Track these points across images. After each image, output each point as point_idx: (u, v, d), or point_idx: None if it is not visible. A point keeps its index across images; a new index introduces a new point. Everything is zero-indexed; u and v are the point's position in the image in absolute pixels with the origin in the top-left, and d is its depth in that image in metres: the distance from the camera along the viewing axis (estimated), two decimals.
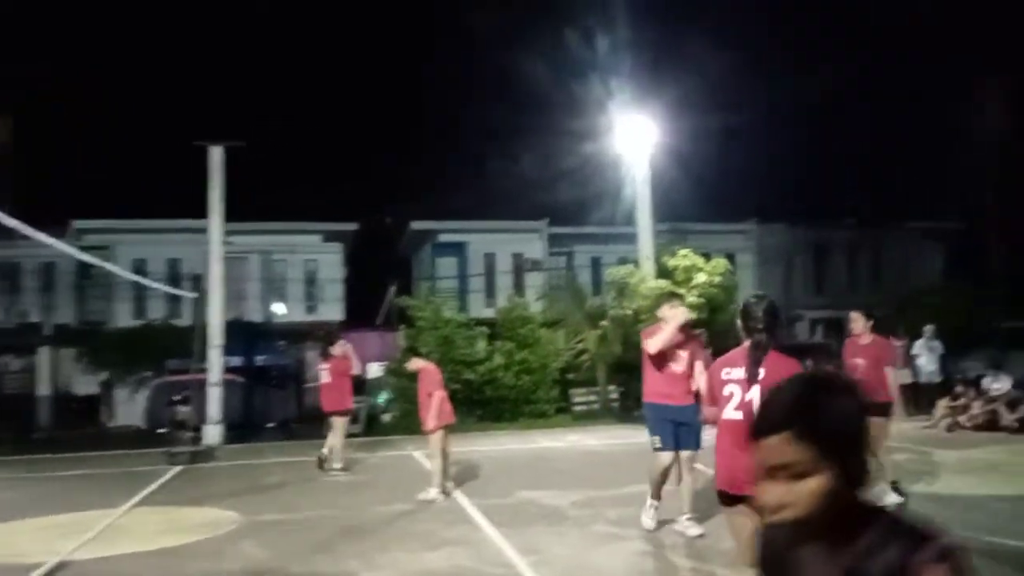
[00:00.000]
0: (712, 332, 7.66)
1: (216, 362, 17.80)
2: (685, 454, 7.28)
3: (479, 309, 26.72)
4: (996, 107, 28.81)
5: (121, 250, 26.69)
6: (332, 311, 29.10)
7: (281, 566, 6.86)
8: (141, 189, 40.69)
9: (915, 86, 46.31)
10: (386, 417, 19.28)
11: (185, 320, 23.39)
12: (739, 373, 4.31)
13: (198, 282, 20.27)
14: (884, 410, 8.25)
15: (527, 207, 29.47)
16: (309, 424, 18.84)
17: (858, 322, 8.65)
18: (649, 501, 7.38)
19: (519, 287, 27.76)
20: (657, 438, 7.19)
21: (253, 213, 25.42)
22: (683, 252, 18.97)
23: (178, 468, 13.17)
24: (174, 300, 25.02)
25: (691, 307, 11.61)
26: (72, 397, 26.11)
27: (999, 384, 15.05)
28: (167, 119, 47.62)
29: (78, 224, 26.76)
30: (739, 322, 4.56)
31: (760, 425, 1.54)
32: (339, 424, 11.94)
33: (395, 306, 24.60)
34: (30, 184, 25.72)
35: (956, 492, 9.00)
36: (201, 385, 17.21)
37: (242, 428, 18.68)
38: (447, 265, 30.63)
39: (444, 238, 30.90)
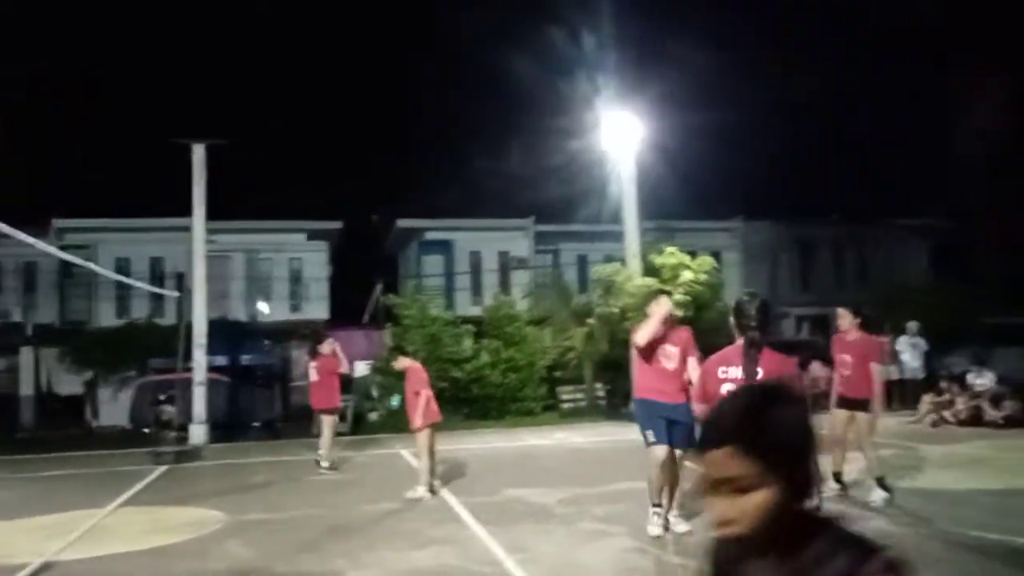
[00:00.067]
0: (698, 330, 7.64)
1: (201, 361, 17.72)
2: (676, 453, 7.24)
3: (465, 307, 26.68)
4: (982, 105, 28.97)
5: (103, 249, 26.50)
6: (317, 310, 29.03)
7: (267, 565, 6.82)
8: (123, 188, 40.36)
9: (901, 84, 46.61)
10: (373, 416, 19.24)
11: (169, 319, 23.29)
12: (736, 372, 4.29)
13: (181, 281, 20.21)
14: (871, 406, 8.30)
15: (513, 205, 29.53)
16: (295, 423, 18.81)
17: (845, 319, 8.67)
18: (651, 510, 7.21)
19: (505, 285, 27.78)
20: (650, 432, 7.10)
21: (237, 211, 25.36)
22: (669, 250, 19.02)
23: (163, 468, 13.11)
24: (157, 299, 24.92)
25: (677, 305, 11.62)
26: (55, 397, 25.93)
27: (983, 380, 15.19)
28: (149, 117, 47.32)
29: (59, 223, 26.54)
30: (732, 320, 4.55)
31: (704, 439, 1.50)
32: (328, 422, 11.98)
33: (381, 304, 24.56)
34: (10, 183, 25.47)
35: (942, 487, 9.06)
36: (186, 384, 17.13)
37: (227, 427, 18.59)
38: (433, 263, 30.57)
39: (430, 236, 30.87)
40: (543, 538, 7.34)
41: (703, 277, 18.41)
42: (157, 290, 21.94)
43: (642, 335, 7.08)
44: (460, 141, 59.20)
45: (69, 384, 25.80)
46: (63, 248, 20.15)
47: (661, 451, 7.13)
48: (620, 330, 17.32)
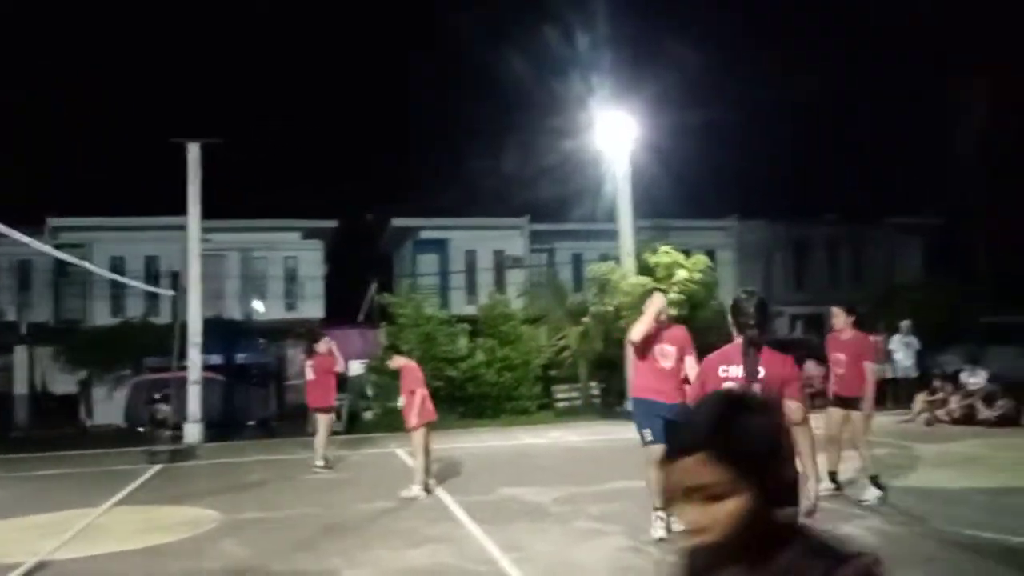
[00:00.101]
0: (692, 329, 7.65)
1: (196, 360, 17.69)
2: None
3: (460, 306, 26.69)
4: (975, 104, 29.06)
5: (98, 248, 26.42)
6: (312, 308, 28.97)
7: (262, 564, 6.82)
8: (118, 186, 40.29)
9: (897, 83, 46.64)
10: (368, 414, 19.24)
11: (164, 318, 23.23)
12: (737, 371, 4.28)
13: (176, 280, 20.15)
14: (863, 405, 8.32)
15: (508, 204, 29.50)
16: (290, 422, 18.80)
17: (839, 317, 8.68)
18: (654, 514, 7.04)
19: (500, 284, 27.76)
20: (648, 431, 7.06)
21: (232, 210, 25.32)
22: (664, 249, 19.05)
23: (158, 467, 13.09)
24: (152, 298, 24.85)
25: (672, 304, 11.62)
26: (50, 396, 25.88)
27: (976, 379, 15.24)
28: (144, 116, 47.26)
29: (54, 222, 26.47)
30: (730, 318, 4.55)
31: (674, 445, 1.48)
32: (323, 420, 11.98)
33: (377, 303, 24.54)
34: (5, 182, 25.43)
35: (936, 485, 9.08)
36: (181, 383, 17.11)
37: (222, 426, 18.55)
38: (428, 262, 30.54)
39: (425, 235, 30.84)
40: (538, 537, 7.35)
41: (697, 276, 18.46)
42: (152, 289, 21.88)
43: (636, 331, 7.09)
44: (455, 140, 59.25)
45: (64, 383, 25.76)
46: (58, 247, 20.11)
47: (658, 449, 7.12)
48: (615, 329, 17.36)
